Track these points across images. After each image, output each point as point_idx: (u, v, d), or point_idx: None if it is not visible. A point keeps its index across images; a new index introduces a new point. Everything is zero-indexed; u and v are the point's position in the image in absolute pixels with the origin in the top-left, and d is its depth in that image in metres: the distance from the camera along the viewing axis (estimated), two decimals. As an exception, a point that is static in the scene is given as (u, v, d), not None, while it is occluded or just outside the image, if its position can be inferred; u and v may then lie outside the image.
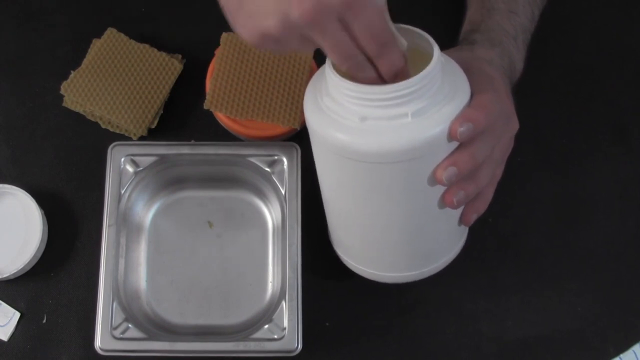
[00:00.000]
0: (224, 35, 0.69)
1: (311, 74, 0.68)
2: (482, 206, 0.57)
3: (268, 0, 0.44)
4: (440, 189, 0.53)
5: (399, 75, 0.50)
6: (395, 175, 0.52)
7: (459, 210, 0.56)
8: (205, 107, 0.67)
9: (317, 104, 0.52)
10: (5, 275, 0.64)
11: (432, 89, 0.49)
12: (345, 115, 0.50)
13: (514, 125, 0.56)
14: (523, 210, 0.70)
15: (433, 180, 0.52)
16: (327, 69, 0.50)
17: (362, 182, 0.53)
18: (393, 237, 0.58)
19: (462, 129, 0.50)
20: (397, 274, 0.62)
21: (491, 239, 0.68)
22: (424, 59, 0.50)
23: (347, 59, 0.47)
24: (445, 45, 0.55)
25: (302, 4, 0.42)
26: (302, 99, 0.67)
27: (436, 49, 0.50)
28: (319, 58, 0.68)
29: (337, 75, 0.49)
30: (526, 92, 0.74)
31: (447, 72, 0.51)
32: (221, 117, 0.68)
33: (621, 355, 0.66)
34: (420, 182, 0.52)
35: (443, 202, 0.53)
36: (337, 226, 0.62)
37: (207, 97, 0.67)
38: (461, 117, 0.50)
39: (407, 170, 0.51)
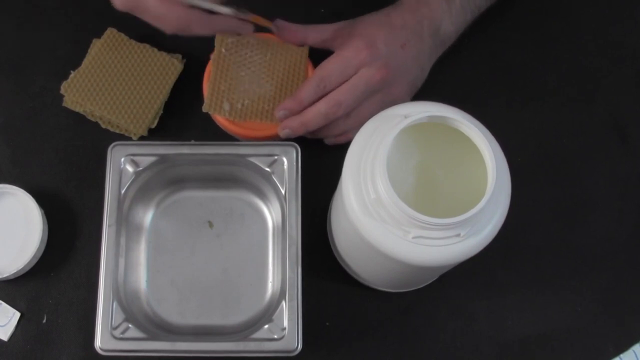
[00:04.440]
0: (218, 35, 0.69)
1: (307, 73, 0.69)
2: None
3: None
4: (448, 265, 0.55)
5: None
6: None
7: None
8: (204, 110, 0.67)
9: (361, 194, 0.51)
10: (5, 275, 0.64)
11: (485, 212, 0.49)
12: (396, 231, 0.49)
13: (369, 73, 0.63)
14: (523, 210, 0.69)
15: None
16: (388, 189, 0.48)
17: (385, 263, 0.54)
18: (392, 275, 0.61)
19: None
20: (394, 290, 0.67)
21: (491, 238, 0.68)
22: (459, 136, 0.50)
23: None
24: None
25: None
26: None
27: (491, 174, 0.48)
28: (317, 57, 0.68)
29: (403, 203, 0.47)
30: (527, 93, 0.75)
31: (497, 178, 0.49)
32: (219, 119, 0.68)
33: (621, 355, 0.66)
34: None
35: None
36: (340, 247, 0.65)
37: (206, 100, 0.67)
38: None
39: None
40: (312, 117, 0.64)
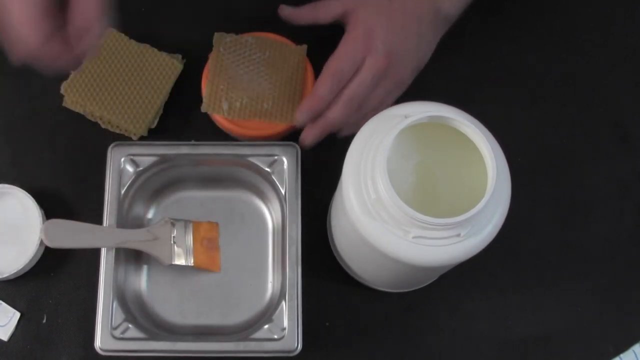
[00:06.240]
0: (216, 35, 0.69)
1: (306, 71, 0.69)
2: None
3: None
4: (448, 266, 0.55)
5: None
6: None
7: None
8: (203, 110, 0.67)
9: (361, 194, 0.51)
10: (5, 275, 0.64)
11: (485, 212, 0.49)
12: (396, 231, 0.49)
13: (373, 62, 0.64)
14: (523, 210, 0.69)
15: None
16: (389, 189, 0.48)
17: (385, 263, 0.54)
18: (392, 275, 0.61)
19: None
20: (394, 290, 0.67)
21: (491, 238, 0.68)
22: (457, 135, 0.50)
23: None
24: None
25: None
26: (299, 95, 0.68)
27: (491, 174, 0.48)
28: (315, 56, 0.68)
29: (403, 203, 0.47)
30: (527, 92, 0.75)
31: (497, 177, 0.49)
32: (218, 119, 0.68)
33: (621, 355, 0.66)
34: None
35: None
36: (340, 247, 0.65)
37: (204, 100, 0.67)
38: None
39: None
40: (330, 121, 0.65)
